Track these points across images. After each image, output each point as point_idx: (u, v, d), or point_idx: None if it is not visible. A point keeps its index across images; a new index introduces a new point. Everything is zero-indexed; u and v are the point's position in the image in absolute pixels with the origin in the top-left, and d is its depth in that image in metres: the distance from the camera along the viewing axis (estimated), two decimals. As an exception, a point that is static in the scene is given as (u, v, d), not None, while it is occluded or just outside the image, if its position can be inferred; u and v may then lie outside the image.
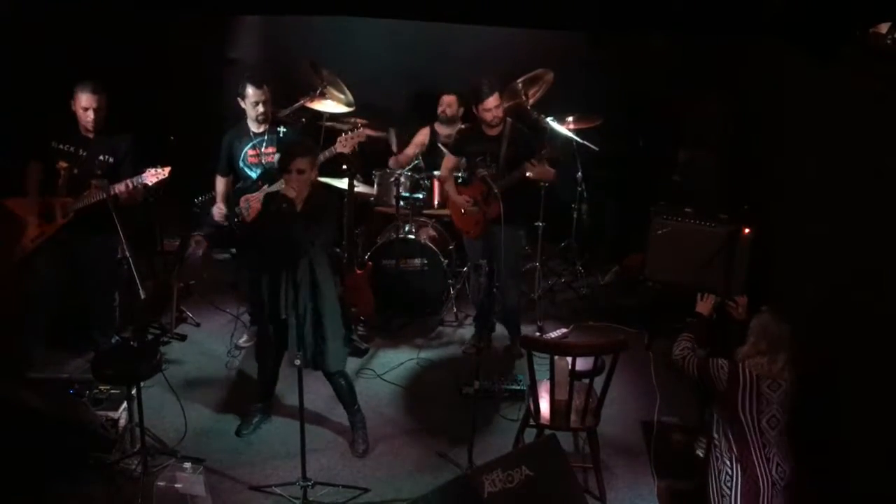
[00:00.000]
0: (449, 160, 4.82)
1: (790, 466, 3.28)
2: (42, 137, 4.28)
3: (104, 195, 4.08)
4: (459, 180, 4.93)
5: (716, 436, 3.41)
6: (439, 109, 5.72)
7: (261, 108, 4.50)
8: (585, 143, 5.35)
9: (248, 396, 4.49)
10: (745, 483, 3.27)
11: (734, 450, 3.30)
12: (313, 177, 3.71)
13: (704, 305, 3.75)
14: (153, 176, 4.20)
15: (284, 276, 3.65)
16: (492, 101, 4.43)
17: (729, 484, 3.31)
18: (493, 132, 4.58)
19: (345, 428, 4.26)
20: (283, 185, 3.62)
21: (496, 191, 4.41)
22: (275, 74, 5.80)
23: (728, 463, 3.33)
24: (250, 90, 4.49)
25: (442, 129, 5.72)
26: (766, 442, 3.27)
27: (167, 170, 4.22)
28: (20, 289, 4.33)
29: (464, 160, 4.82)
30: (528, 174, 4.47)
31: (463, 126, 5.29)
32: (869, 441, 3.22)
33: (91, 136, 4.29)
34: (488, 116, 4.49)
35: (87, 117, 4.21)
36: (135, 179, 4.19)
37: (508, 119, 4.63)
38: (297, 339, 3.73)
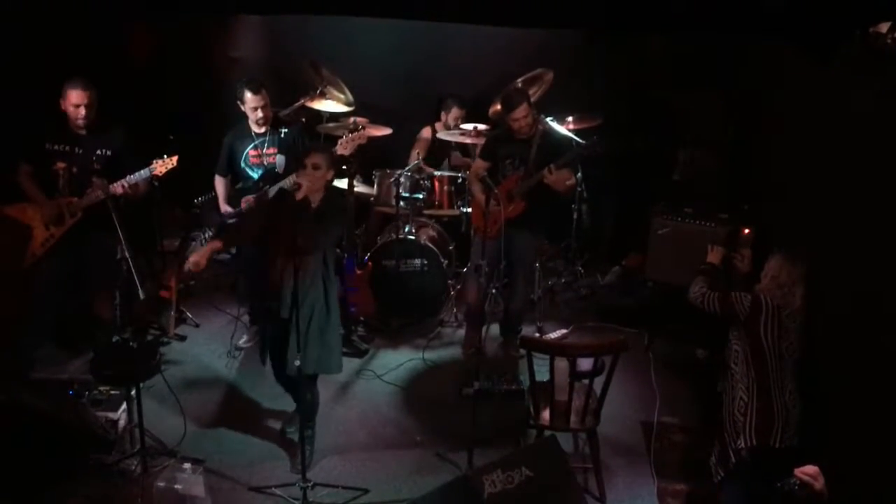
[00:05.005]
0: (478, 163, 4.86)
1: (800, 398, 3.43)
2: (34, 139, 4.24)
3: (105, 194, 4.08)
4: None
5: (733, 366, 3.57)
6: (449, 117, 5.73)
7: (260, 113, 4.54)
8: (583, 142, 5.33)
9: (248, 397, 4.49)
10: (760, 409, 3.41)
11: (752, 375, 3.45)
12: (328, 177, 3.74)
13: (714, 256, 4.02)
14: (162, 166, 4.22)
15: (290, 272, 3.51)
16: (520, 112, 4.52)
17: (742, 410, 3.46)
18: (524, 136, 4.63)
19: (345, 429, 4.27)
20: (291, 181, 3.65)
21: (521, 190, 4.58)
22: (275, 74, 5.81)
23: (744, 390, 3.47)
24: (248, 95, 4.52)
25: (442, 133, 5.71)
26: (783, 368, 3.44)
27: (174, 159, 4.23)
28: (26, 291, 4.32)
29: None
30: (544, 180, 4.52)
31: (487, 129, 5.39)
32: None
33: (83, 133, 4.26)
34: (516, 126, 4.58)
35: (79, 114, 4.17)
36: (143, 172, 4.18)
37: (540, 125, 4.71)
38: (300, 339, 3.58)
